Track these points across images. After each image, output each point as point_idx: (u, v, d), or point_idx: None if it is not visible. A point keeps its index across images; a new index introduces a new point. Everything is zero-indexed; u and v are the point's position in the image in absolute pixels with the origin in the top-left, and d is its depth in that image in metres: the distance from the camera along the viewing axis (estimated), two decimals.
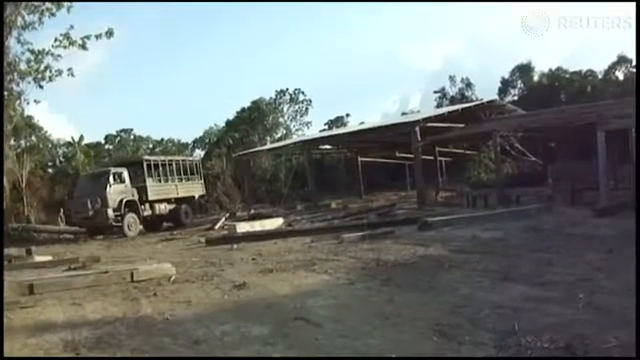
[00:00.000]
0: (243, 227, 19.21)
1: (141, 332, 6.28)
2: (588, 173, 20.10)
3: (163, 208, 27.08)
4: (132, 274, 9.86)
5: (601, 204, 17.22)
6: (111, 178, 24.61)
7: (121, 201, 24.43)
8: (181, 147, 57.97)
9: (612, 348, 4.62)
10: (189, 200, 28.94)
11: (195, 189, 29.73)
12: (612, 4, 28.30)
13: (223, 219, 25.88)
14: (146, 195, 26.06)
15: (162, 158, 30.32)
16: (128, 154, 48.99)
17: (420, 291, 7.45)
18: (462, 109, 29.44)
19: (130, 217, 24.63)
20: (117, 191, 24.58)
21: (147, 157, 29.18)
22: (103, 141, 58.31)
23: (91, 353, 5.64)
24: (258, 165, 44.76)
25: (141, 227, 25.88)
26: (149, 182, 26.42)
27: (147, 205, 26.11)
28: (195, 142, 57.96)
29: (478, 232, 13.53)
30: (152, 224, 26.96)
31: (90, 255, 15.45)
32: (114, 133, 59.46)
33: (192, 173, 29.72)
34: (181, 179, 28.68)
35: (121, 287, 9.28)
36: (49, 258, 15.32)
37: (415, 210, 22.69)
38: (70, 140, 49.33)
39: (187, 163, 30.11)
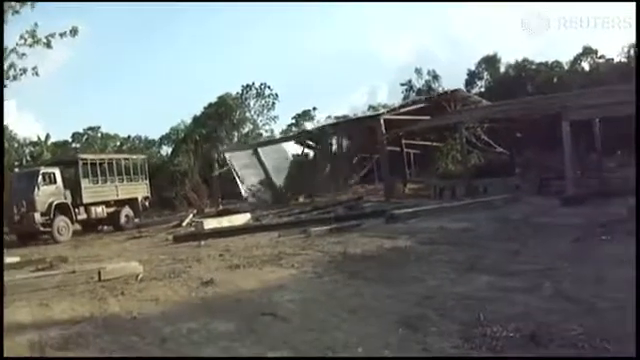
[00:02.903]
0: (211, 223, 19.05)
1: (109, 331, 6.23)
2: (555, 163, 20.35)
3: (100, 211, 24.98)
4: (99, 273, 9.78)
5: (567, 193, 17.45)
6: (40, 179, 22.65)
7: (51, 204, 22.55)
8: (148, 144, 57.16)
9: (576, 336, 4.65)
10: (131, 202, 26.84)
11: (138, 190, 27.53)
12: (612, 4, 28.37)
13: (191, 216, 25.61)
14: (80, 197, 24.14)
15: (101, 157, 28.43)
16: (96, 152, 48.12)
17: (387, 283, 7.45)
18: (426, 98, 29.62)
19: (61, 221, 22.71)
20: (46, 193, 22.69)
21: (83, 156, 26.81)
22: (70, 139, 57.36)
23: (59, 353, 5.56)
24: (225, 161, 44.39)
25: (79, 228, 24.67)
26: (84, 183, 24.43)
27: (82, 208, 24.14)
28: (162, 139, 57.18)
29: (445, 223, 13.64)
30: (88, 228, 25.26)
31: (57, 255, 15.16)
32: (81, 131, 58.48)
33: (135, 173, 27.64)
34: (122, 179, 26.58)
35: (89, 286, 9.20)
36: (17, 259, 14.98)
37: (382, 203, 22.76)
38: (36, 139, 48.51)
39: (130, 162, 27.95)
